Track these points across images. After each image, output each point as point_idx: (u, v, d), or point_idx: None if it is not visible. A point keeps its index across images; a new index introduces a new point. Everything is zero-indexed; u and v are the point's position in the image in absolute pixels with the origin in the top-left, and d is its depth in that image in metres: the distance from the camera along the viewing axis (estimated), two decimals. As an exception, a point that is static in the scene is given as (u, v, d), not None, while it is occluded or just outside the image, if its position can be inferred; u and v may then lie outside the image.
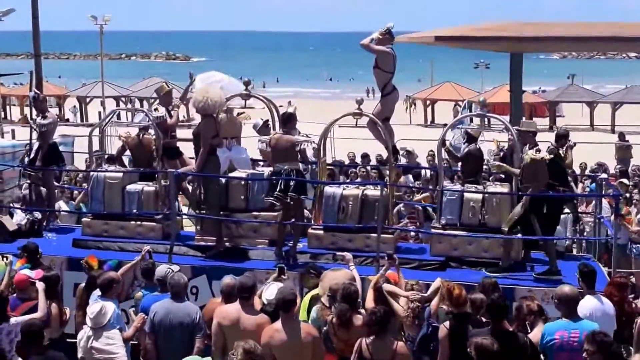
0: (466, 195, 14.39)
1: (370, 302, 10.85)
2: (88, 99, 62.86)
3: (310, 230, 14.88)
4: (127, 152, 16.61)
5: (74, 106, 64.38)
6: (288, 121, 14.28)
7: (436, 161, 16.62)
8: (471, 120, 17.08)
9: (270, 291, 10.88)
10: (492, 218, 14.23)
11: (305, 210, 15.28)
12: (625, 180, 20.81)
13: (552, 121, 59.78)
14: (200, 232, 15.38)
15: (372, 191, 14.72)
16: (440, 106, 65.95)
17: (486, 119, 17.03)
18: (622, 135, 31.12)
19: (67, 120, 61.15)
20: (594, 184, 19.60)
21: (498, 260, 13.95)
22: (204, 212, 15.17)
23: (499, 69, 60.13)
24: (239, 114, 16.29)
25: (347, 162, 22.13)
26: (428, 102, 66.33)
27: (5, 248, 14.85)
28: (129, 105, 52.31)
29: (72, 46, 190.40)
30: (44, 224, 16.68)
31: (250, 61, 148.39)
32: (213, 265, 13.97)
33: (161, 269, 11.85)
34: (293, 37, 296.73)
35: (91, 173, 16.04)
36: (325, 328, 10.55)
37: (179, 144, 16.69)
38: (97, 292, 11.21)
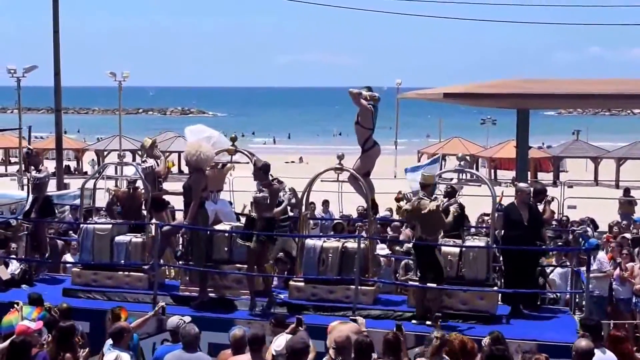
0: (443, 249, 14.28)
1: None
2: (106, 152, 63.26)
3: (291, 282, 14.93)
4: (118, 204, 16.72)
5: (92, 159, 64.81)
6: (264, 172, 14.48)
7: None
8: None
9: (278, 342, 10.80)
10: (469, 271, 14.23)
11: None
12: (627, 235, 20.83)
13: (555, 176, 59.80)
14: (185, 282, 15.41)
15: (352, 244, 14.73)
16: (449, 160, 66.19)
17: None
18: (627, 191, 30.89)
19: (85, 173, 61.58)
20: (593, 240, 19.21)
21: (476, 312, 13.92)
22: (190, 263, 15.17)
23: (505, 124, 60.48)
24: (223, 166, 16.36)
25: (355, 215, 22.04)
26: (435, 156, 66.51)
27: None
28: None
29: (90, 101, 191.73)
30: (34, 274, 16.75)
31: (260, 116, 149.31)
32: (196, 315, 13.64)
33: (173, 320, 11.75)
34: (301, 92, 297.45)
35: (81, 224, 16.20)
36: None
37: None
38: (109, 342, 11.19)
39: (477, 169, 65.78)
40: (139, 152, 33.13)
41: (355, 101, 15.14)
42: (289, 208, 15.95)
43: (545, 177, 59.72)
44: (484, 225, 16.02)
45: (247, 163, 16.49)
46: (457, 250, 14.40)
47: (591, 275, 16.98)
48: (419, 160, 64.60)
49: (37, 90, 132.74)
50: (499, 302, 14.52)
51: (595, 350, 10.41)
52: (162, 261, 15.75)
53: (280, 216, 15.19)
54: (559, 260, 17.84)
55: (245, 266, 14.76)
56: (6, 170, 59.08)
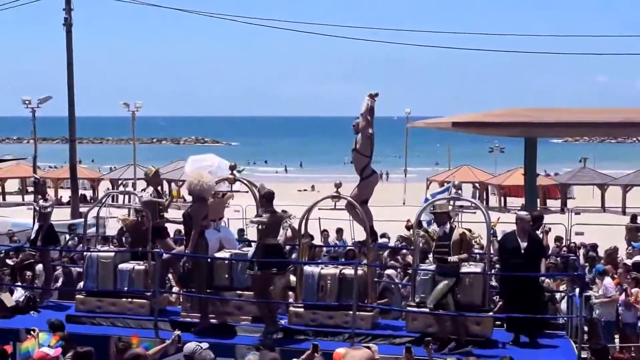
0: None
1: None
2: (120, 182, 63.43)
3: (291, 308, 14.98)
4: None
5: (107, 188, 65.09)
6: (267, 200, 14.60)
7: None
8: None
9: None
10: (465, 297, 14.15)
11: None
12: (628, 261, 20.84)
13: (563, 203, 59.78)
14: (186, 309, 15.45)
15: (350, 270, 14.76)
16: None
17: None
18: (634, 217, 30.81)
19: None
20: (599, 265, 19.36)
21: (472, 337, 13.89)
22: (192, 289, 15.25)
23: (513, 152, 60.51)
24: (223, 195, 16.46)
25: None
26: (445, 184, 66.42)
27: (6, 323, 15.18)
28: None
29: (104, 131, 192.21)
30: (39, 301, 16.86)
31: (273, 145, 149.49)
32: (198, 340, 13.55)
33: (189, 346, 11.74)
34: (312, 121, 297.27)
35: (85, 252, 16.31)
36: None
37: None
38: None
39: (487, 196, 66.01)
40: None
41: (362, 130, 15.42)
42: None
43: (553, 204, 59.71)
44: (480, 252, 16.00)
45: (247, 192, 16.67)
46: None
47: (597, 300, 17.27)
48: (427, 188, 64.77)
49: (51, 121, 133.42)
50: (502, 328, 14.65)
51: None
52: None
53: (285, 243, 15.33)
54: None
55: (246, 292, 14.87)
56: (23, 200, 59.36)
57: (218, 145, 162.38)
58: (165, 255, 15.32)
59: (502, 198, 61.94)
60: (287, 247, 16.39)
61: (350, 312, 14.19)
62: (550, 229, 16.71)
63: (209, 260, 15.08)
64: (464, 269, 14.59)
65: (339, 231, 23.78)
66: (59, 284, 18.61)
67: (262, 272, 14.31)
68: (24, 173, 64.95)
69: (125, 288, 15.49)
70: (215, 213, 15.84)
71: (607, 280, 17.84)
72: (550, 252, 21.35)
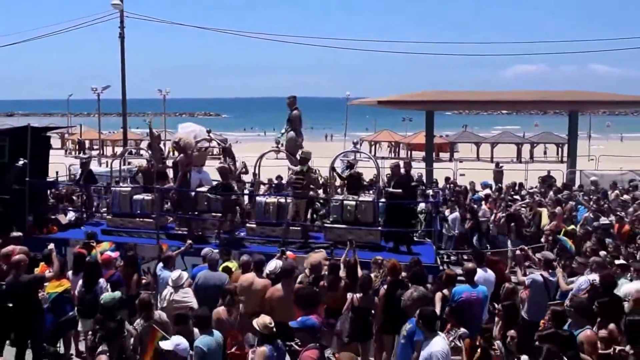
0: (345, 201, 14.33)
1: (342, 273, 10.43)
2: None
3: (247, 224, 14.92)
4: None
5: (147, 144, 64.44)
6: (225, 153, 14.89)
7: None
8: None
9: (270, 265, 10.63)
10: (363, 216, 14.16)
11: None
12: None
13: (451, 155, 60.34)
14: (178, 225, 15.47)
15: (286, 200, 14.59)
16: (381, 146, 66.64)
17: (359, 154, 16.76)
18: (497, 164, 31.16)
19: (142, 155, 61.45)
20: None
21: (369, 243, 13.68)
22: (181, 213, 15.21)
23: (418, 121, 60.75)
24: (205, 149, 16.41)
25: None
26: (372, 142, 66.77)
27: (61, 235, 15.19)
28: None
29: (144, 108, 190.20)
30: (85, 220, 16.94)
31: (259, 116, 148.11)
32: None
33: (205, 250, 11.53)
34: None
35: (111, 188, 16.31)
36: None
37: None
38: (160, 265, 11.19)
39: (398, 151, 66.39)
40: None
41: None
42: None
43: (444, 155, 60.22)
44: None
45: (220, 146, 16.66)
46: (354, 202, 14.24)
47: (450, 217, 17.36)
48: (360, 145, 64.98)
49: (106, 101, 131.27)
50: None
51: (479, 270, 10.31)
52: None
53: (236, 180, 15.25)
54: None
55: (220, 215, 14.75)
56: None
57: (217, 118, 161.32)
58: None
59: (410, 152, 62.31)
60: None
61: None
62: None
63: (192, 193, 14.99)
64: (362, 198, 14.51)
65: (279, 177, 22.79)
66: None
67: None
68: (92, 136, 64.61)
69: (138, 211, 15.44)
70: (198, 161, 15.71)
71: (483, 206, 17.94)
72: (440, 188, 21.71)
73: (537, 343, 7.21)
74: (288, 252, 12.13)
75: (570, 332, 7.68)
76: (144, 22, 53.49)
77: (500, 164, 31.65)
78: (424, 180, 24.89)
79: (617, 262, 11.24)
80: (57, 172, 20.63)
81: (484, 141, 63.65)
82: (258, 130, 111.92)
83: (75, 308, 10.32)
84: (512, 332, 8.31)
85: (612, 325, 8.17)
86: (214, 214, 14.94)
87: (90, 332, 8.58)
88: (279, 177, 20.83)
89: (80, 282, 10.37)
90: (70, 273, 11.00)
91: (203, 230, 14.96)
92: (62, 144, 67.87)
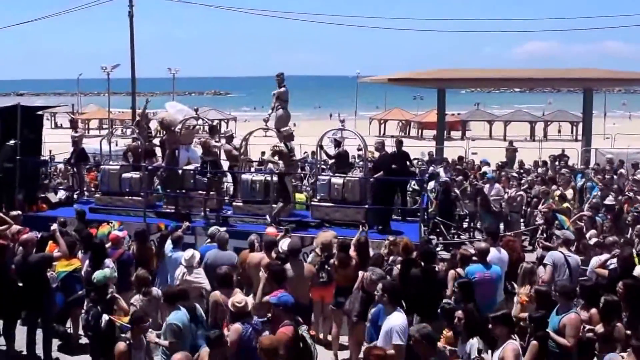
0: (333, 180, 14.42)
1: (352, 252, 10.47)
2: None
3: (234, 203, 15.06)
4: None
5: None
6: (210, 131, 14.94)
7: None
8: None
9: (283, 243, 10.68)
10: (350, 195, 14.26)
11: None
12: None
13: (463, 133, 60.27)
14: (165, 203, 15.62)
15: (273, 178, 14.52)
16: (390, 124, 66.48)
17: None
18: (511, 142, 31.10)
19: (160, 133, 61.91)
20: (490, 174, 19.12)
21: (356, 222, 13.35)
22: (168, 190, 15.32)
23: (430, 99, 60.63)
24: (193, 127, 16.44)
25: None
26: (382, 121, 66.60)
27: (51, 213, 15.21)
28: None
29: (154, 87, 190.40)
30: (75, 199, 17.13)
31: (265, 95, 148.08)
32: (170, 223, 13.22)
33: (213, 229, 11.62)
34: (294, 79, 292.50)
35: (101, 167, 16.51)
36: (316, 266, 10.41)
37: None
38: (170, 245, 11.02)
39: (409, 129, 66.26)
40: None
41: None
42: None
43: (455, 134, 60.19)
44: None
45: (205, 124, 16.68)
46: (341, 181, 14.31)
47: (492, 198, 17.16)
48: (370, 124, 65.02)
49: (116, 81, 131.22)
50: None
51: (492, 249, 10.20)
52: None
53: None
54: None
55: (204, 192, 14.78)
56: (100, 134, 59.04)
57: (229, 96, 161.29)
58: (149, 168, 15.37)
59: (421, 130, 62.22)
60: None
61: (273, 205, 14.10)
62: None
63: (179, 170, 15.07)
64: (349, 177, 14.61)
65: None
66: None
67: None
68: (103, 115, 64.96)
69: (127, 189, 15.59)
70: (185, 139, 15.68)
71: (497, 185, 17.83)
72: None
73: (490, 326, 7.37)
74: (270, 228, 12.29)
75: (543, 314, 7.96)
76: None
77: (513, 142, 31.70)
78: (434, 159, 24.82)
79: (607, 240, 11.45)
80: (50, 151, 21.07)
81: (497, 119, 63.26)
82: (269, 109, 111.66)
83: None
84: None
85: (593, 310, 8.31)
86: (200, 191, 15.03)
87: (83, 311, 8.84)
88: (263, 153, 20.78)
89: (87, 262, 10.51)
90: (80, 253, 11.14)
91: (189, 207, 15.13)
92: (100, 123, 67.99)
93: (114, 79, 55.49)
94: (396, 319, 7.68)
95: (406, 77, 32.75)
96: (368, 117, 68.14)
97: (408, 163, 15.61)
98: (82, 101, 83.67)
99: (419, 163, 22.09)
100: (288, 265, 9.67)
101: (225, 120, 63.90)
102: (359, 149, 18.64)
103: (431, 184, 17.69)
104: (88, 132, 63.61)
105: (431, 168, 20.71)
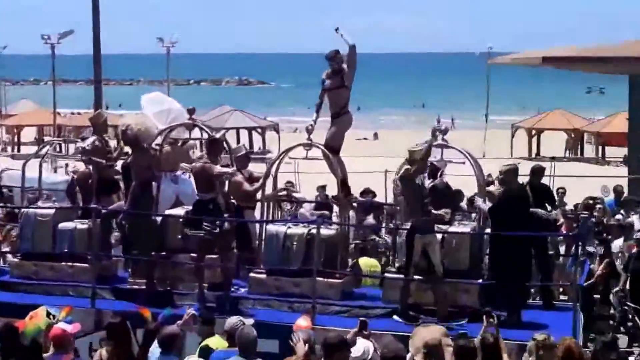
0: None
1: None
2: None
3: (251, 274, 15.22)
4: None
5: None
6: (211, 147, 14.74)
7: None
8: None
9: (357, 347, 10.79)
10: (451, 260, 14.26)
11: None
12: None
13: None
14: (132, 275, 15.72)
15: (328, 231, 14.99)
16: (547, 136, 65.98)
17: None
18: None
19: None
20: None
21: (465, 309, 13.90)
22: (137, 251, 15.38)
23: (616, 94, 60.05)
24: (184, 143, 16.73)
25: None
26: (534, 131, 66.15)
27: None
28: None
29: (136, 71, 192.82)
30: None
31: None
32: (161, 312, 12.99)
33: (231, 320, 11.66)
34: (379, 58, 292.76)
35: (22, 209, 16.77)
36: None
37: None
38: (156, 349, 11.02)
39: (582, 146, 65.65)
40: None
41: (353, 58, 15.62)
42: None
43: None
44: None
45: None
46: (439, 236, 14.24)
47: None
48: (513, 137, 64.66)
49: (74, 60, 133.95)
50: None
51: None
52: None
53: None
54: None
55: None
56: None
57: (265, 86, 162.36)
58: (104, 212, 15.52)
59: (601, 148, 61.79)
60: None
61: (319, 279, 14.21)
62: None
63: (153, 217, 15.26)
64: (452, 229, 14.79)
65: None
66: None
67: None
68: (45, 120, 65.45)
69: (65, 250, 15.76)
70: (173, 164, 16.02)
71: None
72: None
73: None
74: (298, 320, 12.24)
75: None
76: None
77: None
78: (626, 199, 24.42)
79: None
80: None
81: None
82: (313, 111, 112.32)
83: None
84: None
85: None
86: (193, 254, 15.20)
87: None
88: (322, 188, 21.33)
89: None
90: None
91: (174, 282, 15.35)
92: (38, 133, 68.49)
93: (62, 56, 56.22)
94: None
95: (575, 54, 32.19)
96: (510, 125, 67.75)
97: (548, 205, 15.89)
98: (9, 95, 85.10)
99: (598, 207, 21.82)
100: None
101: (259, 130, 64.30)
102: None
103: (617, 243, 17.45)
104: (17, 150, 64.74)
105: (619, 216, 20.61)
